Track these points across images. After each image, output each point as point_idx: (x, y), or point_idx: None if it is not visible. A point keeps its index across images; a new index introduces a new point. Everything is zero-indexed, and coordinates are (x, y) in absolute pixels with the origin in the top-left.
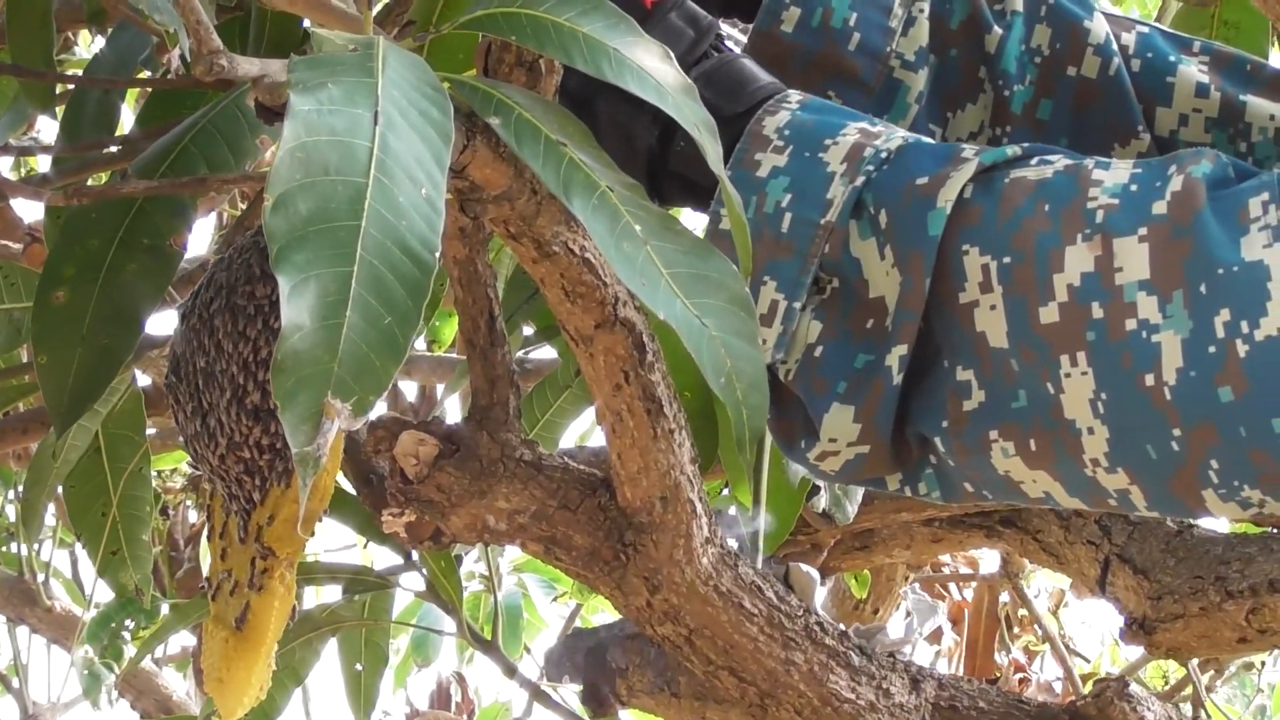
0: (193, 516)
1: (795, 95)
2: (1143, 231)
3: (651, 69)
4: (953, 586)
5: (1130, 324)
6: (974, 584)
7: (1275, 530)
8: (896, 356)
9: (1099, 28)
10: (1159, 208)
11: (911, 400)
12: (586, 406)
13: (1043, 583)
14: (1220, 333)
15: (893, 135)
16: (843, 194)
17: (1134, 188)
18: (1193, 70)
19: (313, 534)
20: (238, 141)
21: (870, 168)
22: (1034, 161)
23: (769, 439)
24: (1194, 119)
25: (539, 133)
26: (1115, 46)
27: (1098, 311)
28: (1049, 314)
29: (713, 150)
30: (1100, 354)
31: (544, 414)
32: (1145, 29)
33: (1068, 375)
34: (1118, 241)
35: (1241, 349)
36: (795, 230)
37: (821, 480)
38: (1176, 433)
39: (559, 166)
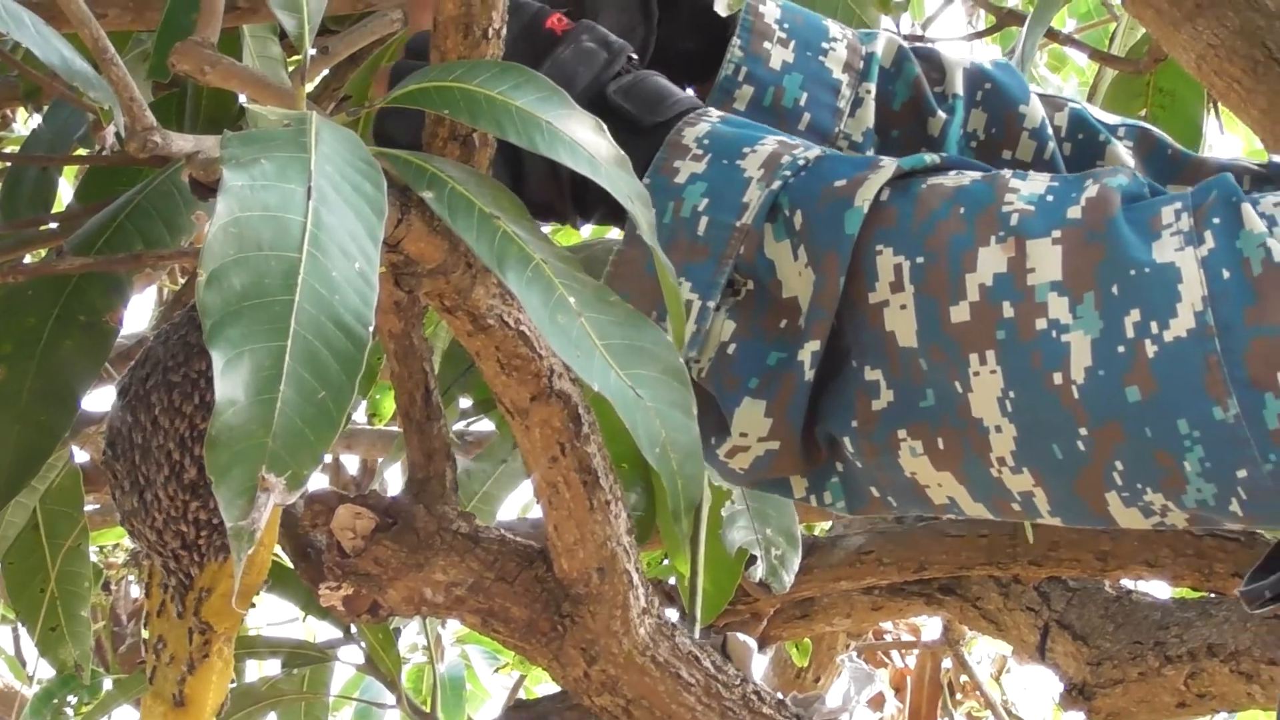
0: (135, 591)
1: (715, 111)
2: (1056, 234)
3: (584, 141)
4: (895, 654)
5: (1041, 323)
6: (916, 651)
7: (1214, 595)
8: (809, 352)
9: (1034, 112)
10: (1073, 213)
11: (821, 400)
12: (524, 479)
13: (985, 649)
14: (1130, 333)
15: (811, 147)
16: (759, 198)
17: (1050, 197)
18: (1120, 152)
19: (250, 608)
20: (173, 217)
21: (787, 173)
22: (951, 172)
23: (706, 509)
24: None
25: (473, 206)
26: (1050, 130)
27: (1009, 311)
28: (960, 313)
29: (645, 219)
30: (1010, 352)
31: (481, 487)
32: (1076, 106)
33: (977, 374)
34: (1031, 243)
35: (1150, 349)
36: (711, 233)
37: (730, 481)
38: (1083, 432)
39: (493, 240)
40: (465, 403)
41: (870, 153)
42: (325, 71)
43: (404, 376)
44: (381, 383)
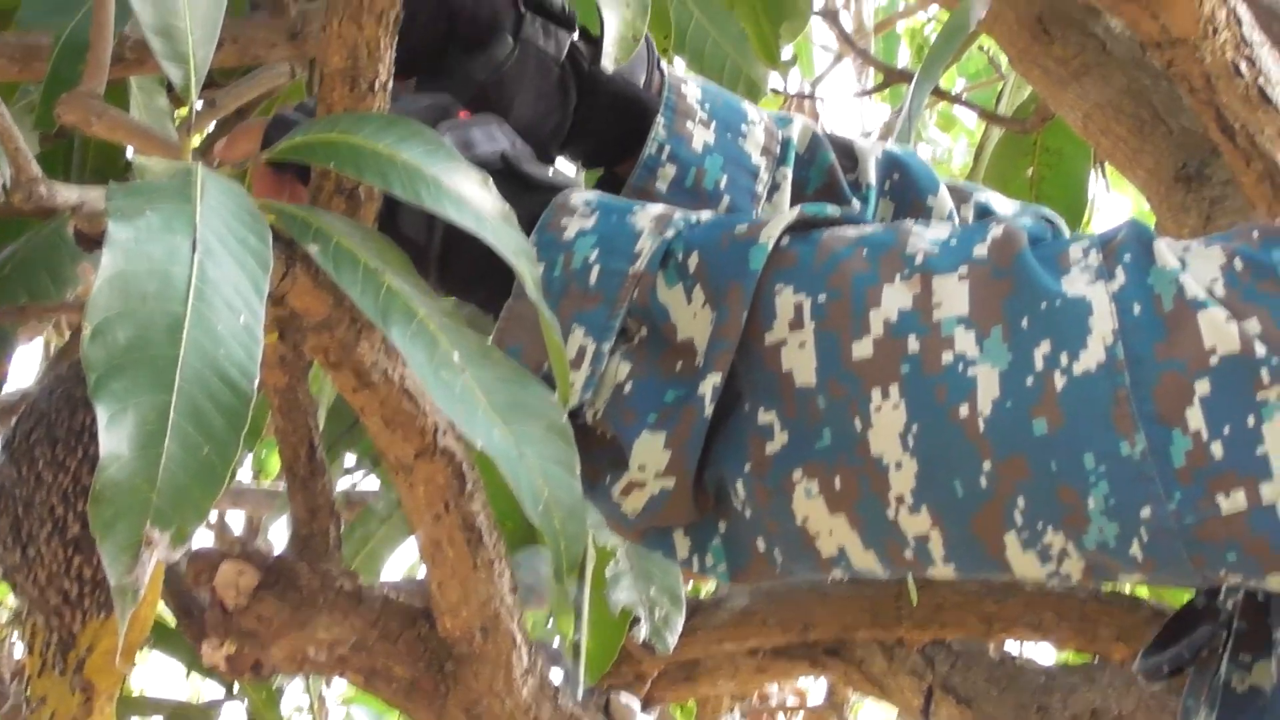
0: (20, 651)
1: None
2: (963, 270)
3: (469, 196)
4: (781, 717)
5: (947, 357)
6: (801, 714)
7: (1098, 660)
8: (710, 385)
9: (942, 204)
10: (980, 250)
11: (713, 443)
12: (408, 537)
13: (870, 712)
14: (1039, 365)
15: (703, 213)
16: (651, 245)
17: (953, 240)
18: None
19: (132, 666)
20: (59, 270)
21: (680, 225)
22: (851, 225)
23: (590, 569)
24: None
25: (357, 261)
26: (957, 221)
27: (914, 345)
28: (862, 349)
29: (530, 276)
30: (914, 386)
31: (366, 545)
32: (982, 199)
33: (878, 409)
34: (937, 279)
35: (1059, 381)
36: (603, 281)
37: (620, 528)
38: (987, 466)
39: (377, 294)
40: (350, 459)
41: None
42: (212, 124)
43: (289, 432)
44: (267, 439)
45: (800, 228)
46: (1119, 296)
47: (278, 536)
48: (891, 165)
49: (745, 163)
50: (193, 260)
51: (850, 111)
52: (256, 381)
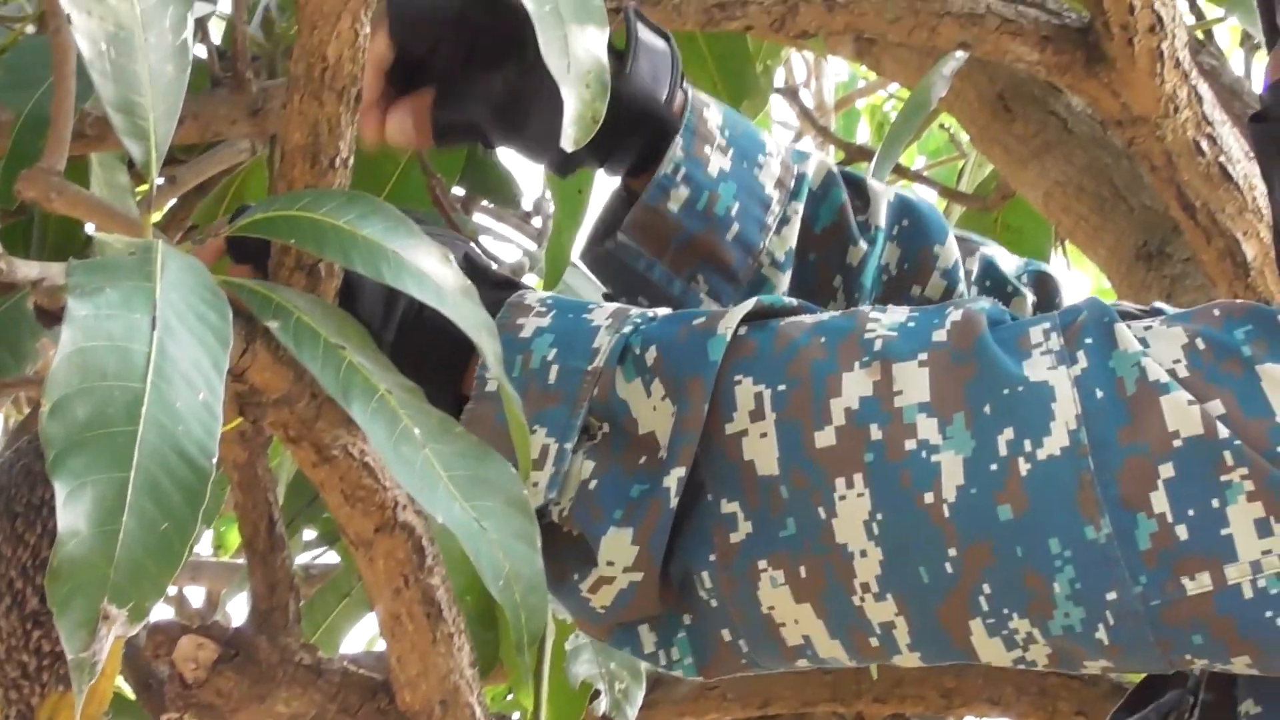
0: None
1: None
2: (923, 357)
3: (431, 271)
4: None
5: (910, 444)
6: None
7: None
8: (675, 478)
9: (949, 252)
10: (939, 335)
11: (678, 536)
12: (368, 612)
13: None
14: (1003, 450)
15: (659, 311)
16: (609, 342)
17: (912, 324)
18: (1026, 300)
19: None
20: (19, 345)
21: (638, 320)
22: (807, 314)
23: (550, 642)
24: None
25: (318, 336)
26: (961, 272)
27: (876, 433)
28: (825, 438)
29: (492, 351)
30: (879, 474)
31: (326, 619)
32: (988, 253)
33: (843, 498)
34: (897, 366)
35: (1024, 467)
36: (563, 379)
37: (589, 625)
38: (952, 552)
39: (338, 370)
40: (310, 534)
41: (788, 274)
42: (173, 200)
43: (248, 507)
44: (226, 514)
45: (758, 317)
46: (1081, 381)
47: (237, 611)
48: (902, 210)
49: (759, 193)
50: (152, 337)
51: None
52: (215, 458)
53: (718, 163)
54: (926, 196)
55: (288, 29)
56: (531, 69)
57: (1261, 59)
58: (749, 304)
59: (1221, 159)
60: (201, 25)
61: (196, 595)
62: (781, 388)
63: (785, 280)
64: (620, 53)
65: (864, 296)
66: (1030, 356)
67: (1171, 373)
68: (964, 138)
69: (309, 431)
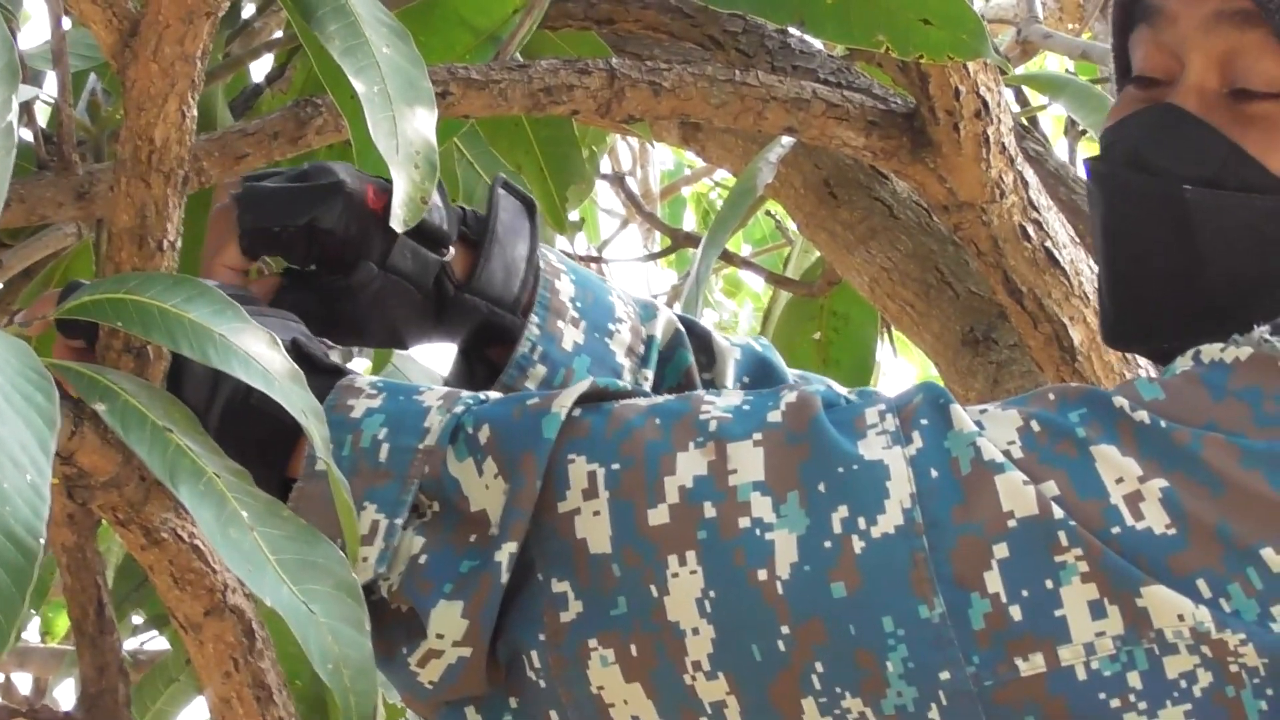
0: None
1: None
2: (757, 437)
3: (258, 354)
4: None
5: (744, 522)
6: None
7: None
8: (506, 553)
9: None
10: (774, 416)
11: (507, 615)
12: (198, 695)
13: None
14: (837, 529)
15: (491, 394)
16: (440, 421)
17: (746, 406)
18: None
19: None
20: None
21: (470, 401)
22: (644, 396)
23: None
24: None
25: (145, 419)
26: None
27: (710, 511)
28: (658, 515)
29: (319, 435)
30: (712, 551)
31: (155, 703)
32: (823, 390)
33: (675, 575)
34: (731, 446)
35: (858, 545)
36: (393, 457)
37: (416, 700)
38: (785, 630)
39: (165, 452)
40: (137, 618)
41: None
42: None
43: (77, 590)
44: (54, 600)
45: (592, 399)
46: (916, 460)
47: (64, 697)
48: (749, 365)
49: (611, 362)
50: None
51: (636, 276)
52: (44, 540)
53: (571, 336)
54: (752, 283)
55: (114, 112)
56: (374, 281)
57: (1085, 146)
58: (583, 385)
59: (1048, 244)
60: (27, 108)
61: (24, 681)
62: (615, 466)
63: None
64: (476, 243)
65: None
66: (865, 437)
67: (1006, 453)
68: (790, 224)
69: (137, 514)
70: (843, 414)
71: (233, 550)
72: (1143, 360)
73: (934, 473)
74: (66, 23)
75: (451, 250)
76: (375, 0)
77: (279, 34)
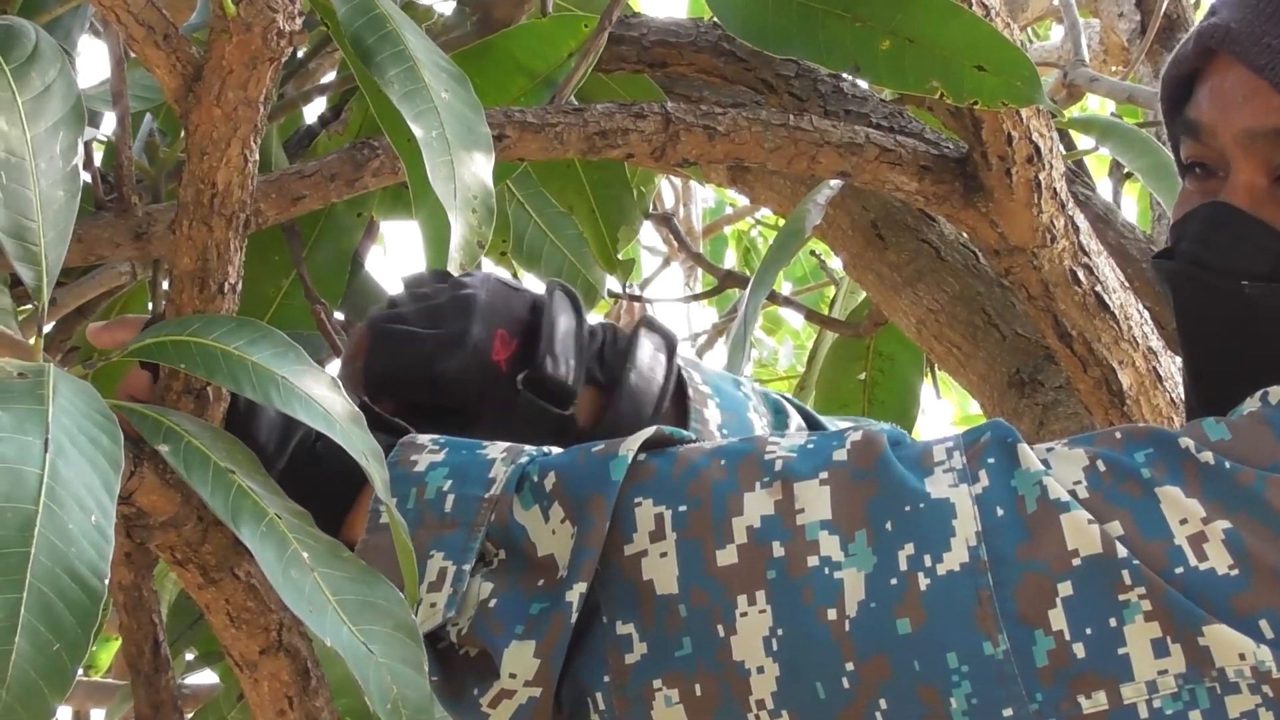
0: None
1: None
2: (824, 475)
3: (319, 397)
4: None
5: (812, 560)
6: None
7: None
8: (577, 593)
9: None
10: (839, 455)
11: (572, 657)
12: None
13: None
14: (903, 565)
15: (552, 449)
16: (505, 471)
17: (811, 446)
18: None
19: None
20: None
21: (533, 453)
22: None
23: None
24: None
25: (208, 460)
26: None
27: (779, 550)
28: (727, 556)
29: (379, 476)
30: (780, 590)
31: None
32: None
33: (744, 614)
34: (798, 485)
35: (923, 582)
36: (459, 507)
37: None
38: (849, 667)
39: (227, 494)
40: (189, 656)
41: None
42: (52, 323)
43: (133, 629)
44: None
45: (655, 446)
46: (982, 498)
47: None
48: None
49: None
50: (45, 460)
51: (676, 314)
52: (107, 579)
53: (713, 419)
54: (792, 320)
55: (172, 153)
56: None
57: (1130, 189)
58: (648, 431)
59: (1098, 288)
60: (85, 149)
61: (64, 715)
62: (682, 508)
63: None
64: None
65: None
66: (932, 474)
67: (1073, 493)
68: (835, 264)
69: (195, 554)
70: (909, 451)
71: (293, 591)
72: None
73: (1000, 511)
74: None
75: (574, 406)
76: (433, 45)
77: (332, 75)
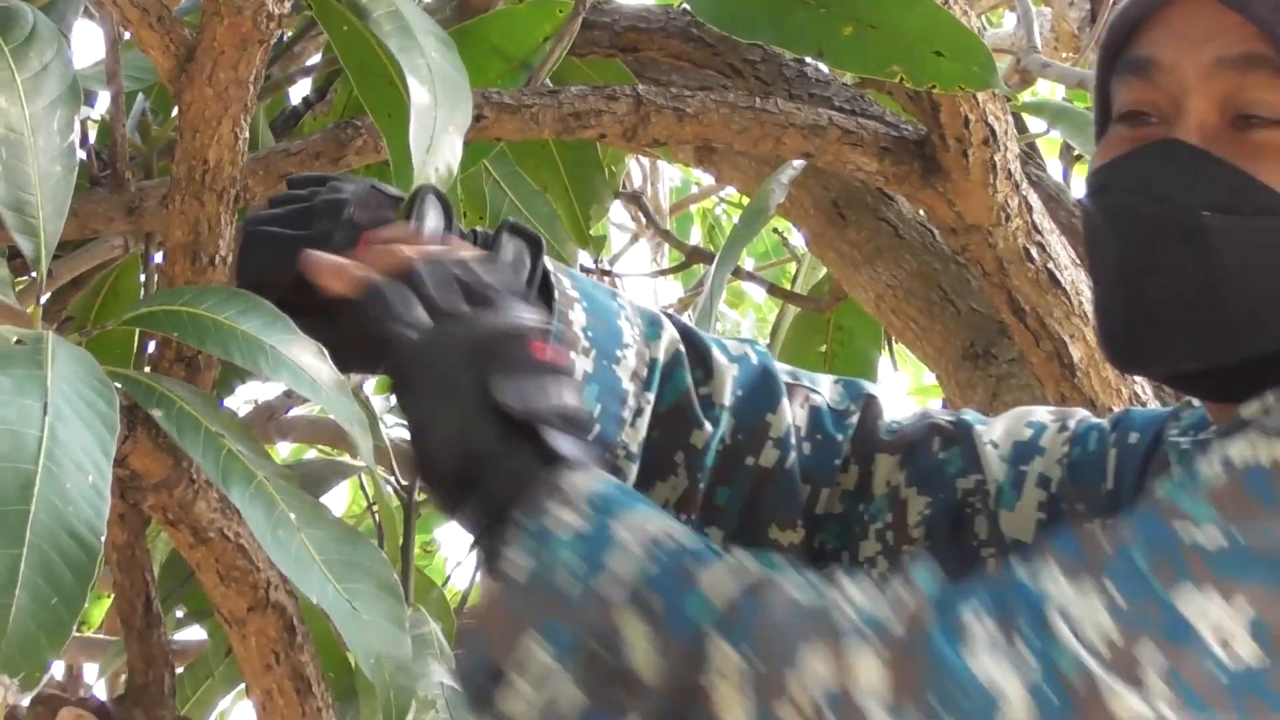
0: None
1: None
2: (886, 655)
3: (306, 365)
4: None
5: None
6: None
7: None
8: None
9: (782, 420)
10: (896, 630)
11: None
12: (236, 685)
13: None
14: None
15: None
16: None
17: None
18: (846, 446)
19: None
20: None
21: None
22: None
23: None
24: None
25: (199, 424)
26: (794, 440)
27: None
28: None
29: (364, 444)
30: None
31: (195, 693)
32: (816, 399)
33: None
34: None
35: None
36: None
37: None
38: None
39: (218, 457)
40: (179, 613)
41: (637, 464)
42: (48, 294)
43: (126, 586)
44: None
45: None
46: (1036, 690)
47: (97, 688)
48: (747, 378)
49: (618, 389)
50: (44, 422)
51: (645, 288)
52: (104, 537)
53: (581, 366)
54: (754, 295)
55: (163, 131)
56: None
57: (1080, 170)
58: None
59: (1050, 265)
60: (81, 127)
61: (57, 669)
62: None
63: (635, 470)
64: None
65: (704, 476)
66: (969, 645)
67: (1109, 644)
68: (797, 241)
69: (186, 514)
70: (947, 620)
71: (280, 550)
72: (1139, 379)
73: (1055, 700)
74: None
75: None
76: (423, 13)
77: (317, 58)
